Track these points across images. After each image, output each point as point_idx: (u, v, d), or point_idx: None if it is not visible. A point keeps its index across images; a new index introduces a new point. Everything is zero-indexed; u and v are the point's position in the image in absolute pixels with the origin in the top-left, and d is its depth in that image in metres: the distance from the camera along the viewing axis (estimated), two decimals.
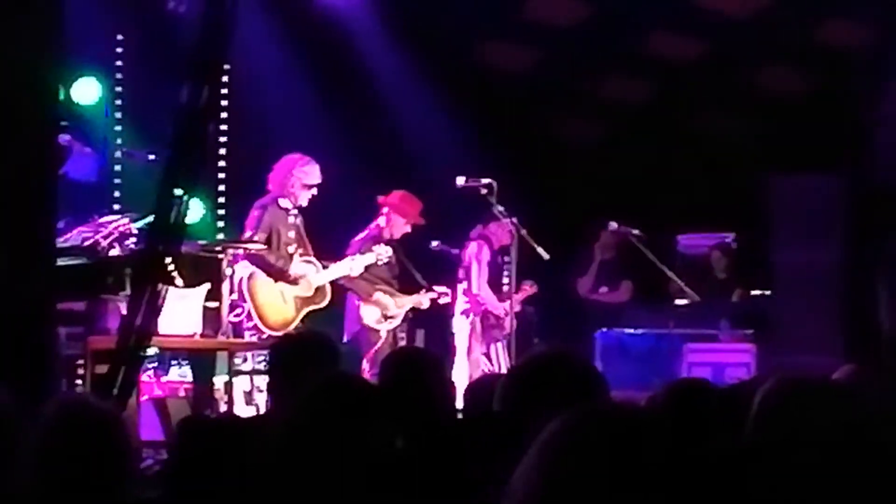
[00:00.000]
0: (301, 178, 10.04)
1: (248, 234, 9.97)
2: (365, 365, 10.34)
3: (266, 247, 9.83)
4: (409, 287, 10.92)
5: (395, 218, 10.76)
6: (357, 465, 2.70)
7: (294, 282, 9.97)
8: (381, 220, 10.80)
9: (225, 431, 3.44)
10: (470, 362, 11.25)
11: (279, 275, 9.90)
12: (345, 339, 10.48)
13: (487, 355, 11.36)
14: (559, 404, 3.17)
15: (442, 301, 11.06)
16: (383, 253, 10.44)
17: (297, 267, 10.01)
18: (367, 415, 2.80)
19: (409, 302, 10.82)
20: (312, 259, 10.13)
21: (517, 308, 11.15)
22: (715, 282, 12.29)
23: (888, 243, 10.02)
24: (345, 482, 2.68)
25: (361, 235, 10.72)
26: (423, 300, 10.89)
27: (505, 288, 11.15)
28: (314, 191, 10.07)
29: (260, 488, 2.96)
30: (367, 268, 10.53)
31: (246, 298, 9.71)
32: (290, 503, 2.70)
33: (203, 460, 3.33)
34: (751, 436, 3.15)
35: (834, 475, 2.79)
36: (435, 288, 10.97)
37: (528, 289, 11.50)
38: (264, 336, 9.74)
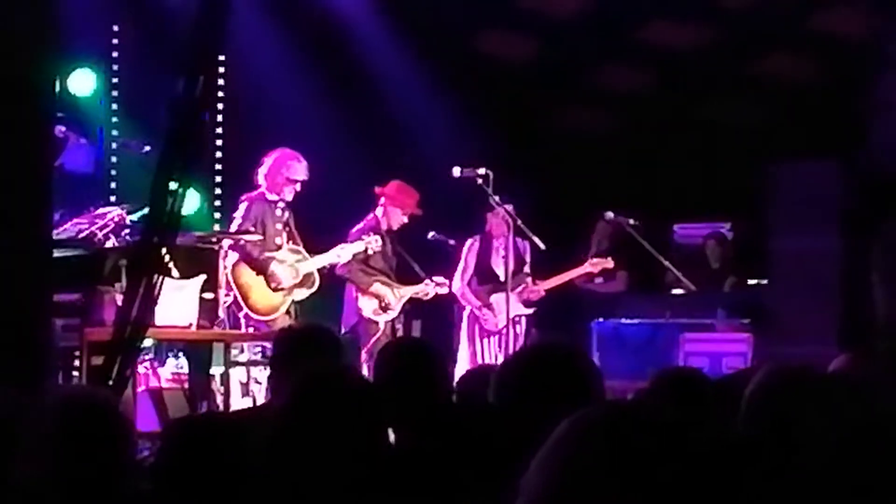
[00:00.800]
0: (286, 174, 10.09)
1: (235, 224, 10.03)
2: (363, 356, 10.35)
3: (262, 237, 9.87)
4: (407, 278, 10.91)
5: (392, 209, 10.76)
6: (344, 460, 2.69)
7: (272, 276, 9.98)
8: (378, 211, 10.79)
9: (211, 429, 3.43)
10: (469, 354, 11.24)
11: (260, 267, 9.94)
12: (343, 331, 10.47)
13: (483, 349, 11.32)
14: (553, 397, 3.19)
15: (440, 292, 11.04)
16: (373, 241, 10.44)
17: (283, 255, 10.05)
18: (356, 409, 2.79)
19: (407, 292, 10.81)
20: (300, 249, 10.16)
21: (519, 308, 11.12)
22: (710, 271, 12.27)
23: (882, 227, 10.00)
24: (331, 477, 2.67)
25: (359, 227, 10.71)
26: (426, 290, 10.86)
27: (502, 279, 11.10)
28: (298, 186, 10.13)
29: (245, 485, 2.96)
30: (363, 259, 10.54)
31: (232, 286, 9.75)
32: (276, 498, 2.69)
33: (189, 460, 3.32)
34: (743, 428, 3.15)
35: (827, 466, 2.79)
36: (433, 279, 10.95)
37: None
38: (257, 323, 9.79)
